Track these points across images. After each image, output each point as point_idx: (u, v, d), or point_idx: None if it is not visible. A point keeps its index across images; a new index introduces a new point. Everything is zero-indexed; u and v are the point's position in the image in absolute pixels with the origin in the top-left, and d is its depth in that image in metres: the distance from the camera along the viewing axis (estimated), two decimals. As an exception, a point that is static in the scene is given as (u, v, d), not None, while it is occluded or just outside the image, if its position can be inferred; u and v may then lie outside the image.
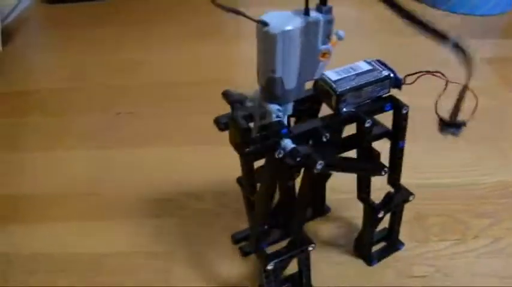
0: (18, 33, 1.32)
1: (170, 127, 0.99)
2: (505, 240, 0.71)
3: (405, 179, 0.66)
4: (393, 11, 0.47)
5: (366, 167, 0.60)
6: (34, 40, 1.40)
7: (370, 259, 0.68)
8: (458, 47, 0.47)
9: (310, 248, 0.58)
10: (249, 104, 0.51)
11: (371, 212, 0.63)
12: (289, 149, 0.48)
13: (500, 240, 0.71)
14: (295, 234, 0.58)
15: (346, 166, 0.59)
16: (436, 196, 0.79)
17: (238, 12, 0.41)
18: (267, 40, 0.44)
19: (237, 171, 0.59)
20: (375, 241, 0.69)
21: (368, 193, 0.64)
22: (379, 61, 0.57)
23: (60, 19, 1.50)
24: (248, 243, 0.70)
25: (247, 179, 0.59)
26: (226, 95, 0.54)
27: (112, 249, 0.74)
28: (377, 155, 0.59)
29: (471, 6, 1.48)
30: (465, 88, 0.47)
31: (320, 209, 0.75)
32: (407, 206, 0.67)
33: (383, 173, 0.60)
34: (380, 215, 0.63)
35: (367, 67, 0.55)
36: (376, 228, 0.66)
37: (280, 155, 0.49)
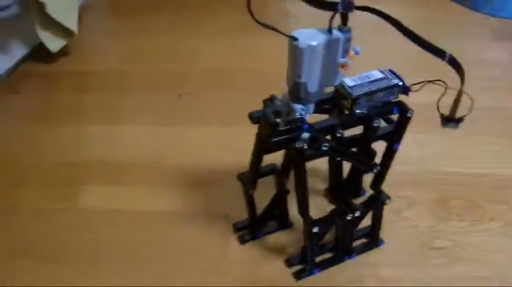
0: (83, 18, 1.47)
1: (225, 110, 1.12)
2: (516, 224, 0.83)
3: (437, 167, 0.87)
4: (396, 28, 0.59)
5: (363, 160, 0.71)
6: (97, 25, 1.55)
7: (350, 253, 0.79)
8: (453, 61, 0.59)
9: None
10: (277, 102, 0.64)
11: (352, 210, 0.73)
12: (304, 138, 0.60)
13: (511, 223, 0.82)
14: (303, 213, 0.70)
15: (347, 154, 0.69)
16: (460, 182, 0.91)
17: (275, 29, 0.53)
18: (295, 52, 0.56)
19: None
20: (358, 236, 0.80)
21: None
22: (391, 71, 0.67)
23: (119, 7, 1.65)
24: (247, 231, 0.82)
25: (252, 173, 0.72)
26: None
27: (174, 208, 0.89)
28: (373, 154, 0.71)
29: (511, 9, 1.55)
30: (460, 93, 0.58)
31: (284, 222, 0.84)
32: (433, 188, 0.80)
33: (374, 171, 0.71)
34: (357, 215, 0.73)
35: (380, 75, 0.65)
36: (355, 227, 0.77)
37: (300, 146, 0.61)
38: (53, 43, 1.29)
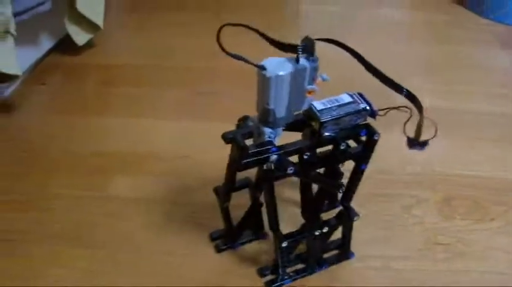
0: (108, 13, 1.53)
1: (245, 107, 1.20)
2: (515, 224, 0.91)
3: (444, 169, 0.98)
4: (352, 55, 0.65)
5: (328, 181, 0.76)
6: (121, 20, 1.64)
7: (321, 264, 0.84)
8: (410, 94, 0.65)
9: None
10: (250, 123, 0.70)
11: (319, 227, 0.78)
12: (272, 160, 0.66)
13: (511, 224, 0.91)
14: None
15: (312, 176, 0.73)
16: (464, 184, 1.00)
17: (243, 59, 0.59)
18: (263, 81, 0.62)
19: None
20: (330, 248, 0.85)
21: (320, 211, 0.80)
22: (360, 94, 0.71)
23: (142, 3, 1.74)
24: (222, 240, 0.86)
25: (227, 187, 0.78)
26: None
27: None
28: (340, 174, 0.76)
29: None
30: (420, 123, 0.64)
31: (259, 233, 0.88)
32: (440, 188, 0.88)
33: (340, 191, 0.76)
34: (325, 231, 0.78)
35: (348, 99, 0.70)
36: (326, 240, 0.82)
37: (268, 168, 0.66)
38: (80, 37, 1.37)
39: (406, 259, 0.85)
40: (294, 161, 0.69)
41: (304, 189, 0.75)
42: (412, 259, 0.85)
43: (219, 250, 0.86)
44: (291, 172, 0.67)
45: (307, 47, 0.62)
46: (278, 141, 0.68)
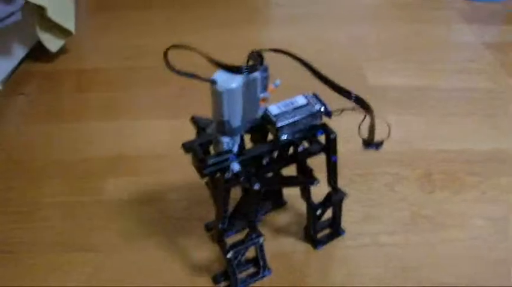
0: (76, 15, 1.53)
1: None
2: (490, 193, 1.00)
3: (420, 146, 1.06)
4: (302, 64, 0.67)
5: (299, 180, 0.79)
6: (90, 22, 1.64)
7: (316, 244, 0.88)
8: (359, 99, 0.68)
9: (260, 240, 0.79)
10: (209, 130, 0.72)
11: (312, 210, 0.84)
12: (235, 172, 0.68)
13: (486, 192, 1.00)
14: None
15: (281, 182, 0.77)
16: (441, 158, 1.08)
17: (193, 76, 0.61)
18: (216, 95, 0.64)
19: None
20: (321, 228, 0.89)
21: (308, 196, 0.83)
22: (315, 95, 0.74)
23: (108, 2, 1.74)
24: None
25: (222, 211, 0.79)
26: (194, 121, 0.75)
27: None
28: (309, 171, 0.78)
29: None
30: (372, 125, 0.68)
31: (278, 201, 0.94)
32: (418, 164, 0.95)
33: (315, 184, 0.79)
34: (318, 213, 0.83)
35: (303, 101, 0.73)
36: (318, 221, 0.86)
37: (229, 177, 0.69)
38: (52, 43, 1.38)
39: (394, 233, 0.91)
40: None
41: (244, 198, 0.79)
42: (399, 233, 0.91)
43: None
44: (257, 187, 0.70)
45: (254, 67, 0.64)
46: (236, 148, 0.71)
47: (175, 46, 0.63)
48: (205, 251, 0.89)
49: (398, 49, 1.48)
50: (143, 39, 1.53)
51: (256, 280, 0.84)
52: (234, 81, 0.64)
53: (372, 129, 0.68)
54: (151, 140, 1.14)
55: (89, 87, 1.35)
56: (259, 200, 0.76)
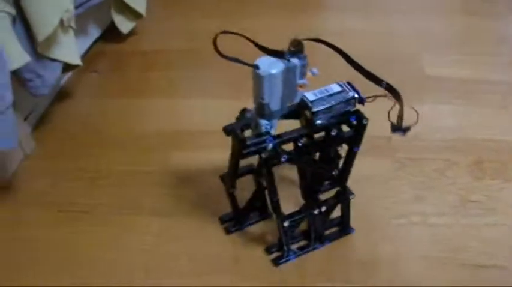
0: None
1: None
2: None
3: (472, 135, 1.10)
4: (338, 52, 0.72)
5: (321, 165, 0.84)
6: (159, 7, 1.71)
7: (322, 241, 0.90)
8: (389, 87, 0.72)
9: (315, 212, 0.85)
10: (248, 115, 0.78)
11: (317, 206, 0.85)
12: (269, 149, 0.74)
13: (534, 182, 1.03)
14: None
15: (305, 162, 0.81)
16: (492, 147, 1.11)
17: (238, 61, 0.67)
18: (258, 79, 0.70)
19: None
20: (330, 226, 0.93)
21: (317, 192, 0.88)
22: (349, 83, 0.78)
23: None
24: (232, 223, 0.94)
25: (231, 174, 0.86)
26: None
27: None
28: (333, 158, 0.83)
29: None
30: (401, 112, 0.72)
31: (264, 213, 0.96)
32: (469, 152, 1.04)
33: (334, 173, 0.84)
34: (323, 210, 0.86)
35: (338, 89, 0.77)
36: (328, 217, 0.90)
37: (266, 156, 0.74)
38: (124, 25, 1.48)
39: (442, 215, 0.96)
40: (290, 149, 0.78)
41: (301, 173, 0.84)
42: (448, 215, 0.96)
43: (228, 231, 0.94)
44: (284, 159, 0.76)
45: (296, 52, 0.70)
46: (274, 131, 0.76)
47: (225, 32, 0.68)
48: (256, 228, 0.96)
49: (455, 41, 1.50)
50: (207, 22, 1.60)
51: (307, 251, 0.90)
52: (275, 67, 0.70)
53: (400, 115, 0.72)
54: (212, 118, 1.20)
55: (154, 67, 1.43)
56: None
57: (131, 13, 1.47)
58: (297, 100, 0.75)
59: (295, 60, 0.71)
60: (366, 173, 1.02)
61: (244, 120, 0.79)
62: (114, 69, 1.43)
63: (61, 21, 1.04)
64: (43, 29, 0.97)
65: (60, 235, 0.96)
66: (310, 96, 0.75)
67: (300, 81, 0.73)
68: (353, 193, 0.87)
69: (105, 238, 0.95)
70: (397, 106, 0.73)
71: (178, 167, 1.09)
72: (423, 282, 0.85)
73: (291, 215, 0.84)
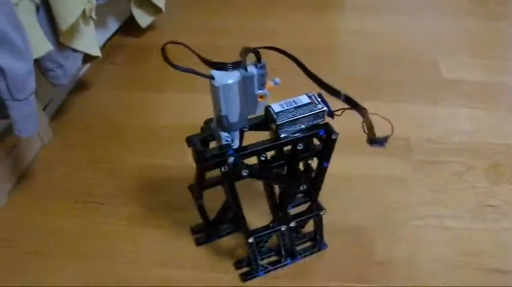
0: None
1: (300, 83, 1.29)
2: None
3: (489, 139, 1.09)
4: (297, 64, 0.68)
5: (287, 180, 0.78)
6: (179, 3, 1.72)
7: (294, 256, 0.87)
8: (348, 99, 0.68)
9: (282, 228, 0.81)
10: (212, 125, 0.73)
11: (286, 223, 0.82)
12: (230, 162, 0.70)
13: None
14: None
15: (268, 177, 0.76)
16: (510, 152, 1.09)
17: (191, 71, 0.63)
18: (213, 90, 0.66)
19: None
20: (303, 241, 0.89)
21: (286, 207, 0.82)
22: (319, 95, 0.73)
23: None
24: (202, 235, 0.91)
25: (198, 186, 0.83)
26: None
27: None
28: (300, 173, 0.78)
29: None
30: (369, 123, 0.67)
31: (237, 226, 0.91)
32: (486, 156, 1.04)
33: (301, 188, 0.78)
34: (292, 225, 0.81)
35: (306, 101, 0.72)
36: (296, 233, 0.86)
37: (226, 170, 0.70)
38: (143, 19, 1.47)
39: (459, 218, 0.95)
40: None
41: (267, 187, 0.80)
42: (464, 219, 0.95)
43: (198, 243, 0.91)
44: (245, 174, 0.71)
45: (239, 63, 0.65)
46: (237, 143, 0.72)
47: (171, 42, 0.66)
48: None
49: (473, 44, 1.49)
50: (224, 19, 1.61)
51: (278, 267, 0.87)
52: (231, 77, 0.65)
53: (369, 127, 0.67)
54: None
55: (174, 61, 1.42)
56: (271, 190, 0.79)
57: (151, 7, 1.47)
58: (259, 112, 0.71)
59: (252, 69, 0.66)
60: (383, 173, 1.04)
61: (209, 130, 0.75)
62: (132, 62, 1.44)
63: (83, 12, 1.04)
64: (66, 18, 0.97)
65: (76, 225, 0.96)
66: (276, 107, 0.71)
67: (259, 92, 0.68)
68: (325, 209, 0.83)
69: (121, 230, 0.95)
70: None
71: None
72: (438, 284, 0.84)
73: (256, 231, 0.80)
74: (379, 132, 0.68)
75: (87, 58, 1.16)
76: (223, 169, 0.71)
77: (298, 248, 0.88)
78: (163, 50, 0.65)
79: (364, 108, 0.68)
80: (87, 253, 0.91)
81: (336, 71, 1.35)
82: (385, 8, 1.68)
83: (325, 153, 0.76)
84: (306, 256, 0.88)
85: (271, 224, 0.81)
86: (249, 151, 0.72)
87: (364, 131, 0.68)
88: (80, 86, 1.33)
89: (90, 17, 1.10)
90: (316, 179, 0.80)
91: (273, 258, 0.88)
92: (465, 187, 1.01)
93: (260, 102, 0.69)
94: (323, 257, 0.89)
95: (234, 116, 0.69)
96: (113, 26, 1.47)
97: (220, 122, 0.69)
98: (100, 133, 1.18)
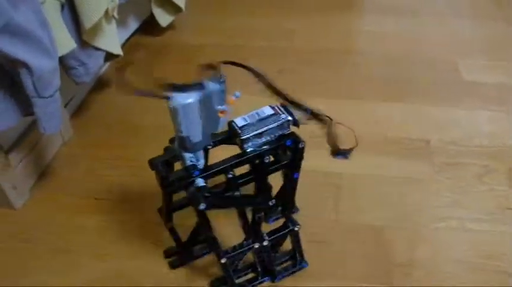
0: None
1: (321, 85, 1.29)
2: None
3: (509, 141, 1.08)
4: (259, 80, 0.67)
5: (252, 201, 0.74)
6: (199, 3, 1.73)
7: (274, 276, 0.84)
8: (314, 114, 0.67)
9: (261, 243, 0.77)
10: (175, 147, 0.69)
11: (259, 240, 0.78)
12: (198, 187, 0.66)
13: None
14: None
15: (230, 203, 0.73)
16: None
17: (148, 94, 0.60)
18: (172, 111, 0.63)
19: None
20: (282, 261, 0.85)
21: (259, 224, 0.78)
22: (282, 105, 0.70)
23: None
24: (176, 258, 0.88)
25: (166, 209, 0.80)
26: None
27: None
28: (269, 188, 0.74)
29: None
30: (332, 135, 0.67)
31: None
32: (507, 159, 1.03)
33: (270, 204, 0.74)
34: (265, 244, 0.77)
35: (270, 112, 0.69)
36: (273, 253, 0.81)
37: (189, 195, 0.67)
38: (163, 19, 1.48)
39: (480, 221, 0.94)
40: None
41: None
42: (485, 222, 0.94)
43: (173, 266, 0.88)
44: (203, 208, 0.67)
45: (200, 85, 0.62)
46: (202, 163, 0.70)
47: (128, 63, 0.64)
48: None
49: (493, 46, 1.47)
50: (242, 19, 1.60)
51: (255, 284, 0.84)
52: (189, 97, 0.62)
53: (333, 139, 0.67)
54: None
55: (190, 61, 1.42)
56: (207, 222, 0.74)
57: (171, 7, 1.46)
58: (221, 128, 0.68)
59: (212, 86, 0.63)
60: (404, 174, 1.03)
61: (170, 152, 0.72)
62: (151, 62, 1.44)
63: (106, 11, 1.05)
64: (91, 16, 0.98)
65: (96, 222, 0.97)
66: (239, 121, 0.69)
67: (219, 107, 0.65)
68: (299, 224, 0.79)
69: (142, 227, 0.95)
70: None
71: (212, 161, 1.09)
72: (457, 286, 0.84)
73: (229, 251, 0.77)
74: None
75: (109, 56, 1.17)
76: (187, 195, 0.68)
77: (279, 267, 0.85)
78: (118, 71, 0.62)
79: (329, 122, 0.66)
80: (107, 251, 0.91)
81: (354, 72, 1.36)
82: (405, 9, 1.66)
83: (294, 163, 0.73)
84: (286, 276, 0.85)
85: (244, 242, 0.78)
86: (214, 169, 0.69)
87: (327, 142, 0.67)
88: (100, 84, 1.33)
89: (113, 15, 1.11)
90: (288, 192, 0.76)
91: (250, 275, 0.85)
92: (485, 189, 1.00)
93: (221, 118, 0.67)
94: (341, 257, 0.89)
95: (196, 136, 0.66)
96: (133, 25, 1.48)
97: (182, 143, 0.66)
98: (119, 131, 1.19)
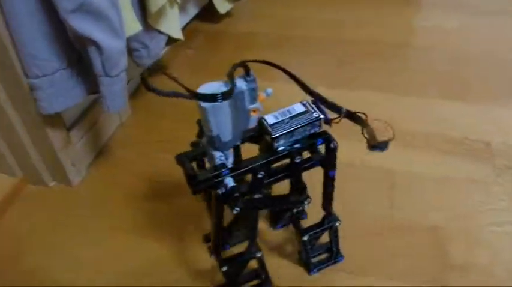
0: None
1: (380, 78, 1.29)
2: None
3: None
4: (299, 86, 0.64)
5: (287, 201, 0.72)
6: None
7: (309, 269, 0.83)
8: (349, 113, 0.65)
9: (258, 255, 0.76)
10: (204, 143, 0.67)
11: (299, 235, 0.77)
12: (229, 187, 0.64)
13: None
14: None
15: (264, 204, 0.71)
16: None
17: (176, 95, 0.58)
18: (202, 111, 0.61)
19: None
20: (318, 253, 0.83)
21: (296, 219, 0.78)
22: (313, 102, 0.67)
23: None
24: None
25: (216, 231, 0.75)
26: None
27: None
28: (303, 188, 0.71)
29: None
30: (371, 132, 0.65)
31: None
32: None
33: (305, 203, 0.72)
34: (305, 239, 0.77)
35: (301, 109, 0.67)
36: (311, 246, 0.80)
37: (223, 191, 0.64)
38: (222, 6, 1.49)
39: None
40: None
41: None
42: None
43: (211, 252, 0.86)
44: (237, 211, 0.65)
45: (230, 94, 0.59)
46: (231, 161, 0.68)
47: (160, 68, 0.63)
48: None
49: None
50: (299, 10, 1.60)
51: None
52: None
53: (371, 135, 0.65)
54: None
55: (245, 48, 1.44)
56: (255, 218, 0.72)
57: (230, -5, 1.48)
58: (252, 126, 0.66)
59: (242, 84, 0.61)
60: (463, 175, 1.01)
61: (199, 148, 0.71)
62: (208, 48, 1.45)
63: (171, -5, 1.06)
64: (157, 0, 0.99)
65: (149, 203, 0.98)
66: (270, 119, 0.66)
67: (251, 106, 0.63)
68: (339, 219, 0.78)
69: (196, 208, 0.95)
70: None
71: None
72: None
73: (230, 259, 0.75)
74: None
75: (170, 40, 1.19)
76: (219, 191, 0.65)
77: (314, 260, 0.84)
78: (143, 77, 0.61)
79: (365, 117, 0.65)
80: (159, 233, 0.92)
81: (409, 67, 1.34)
82: (466, 5, 1.62)
83: (328, 161, 0.70)
84: (321, 268, 0.84)
85: (246, 251, 0.76)
86: (245, 168, 0.66)
87: (363, 135, 0.66)
88: (157, 67, 1.35)
89: (176, 0, 1.12)
90: (326, 190, 0.75)
91: (255, 281, 0.83)
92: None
93: (252, 117, 0.65)
94: (392, 253, 0.88)
95: (226, 135, 0.64)
96: (192, 11, 1.49)
97: (212, 142, 0.65)
98: (173, 116, 1.19)
